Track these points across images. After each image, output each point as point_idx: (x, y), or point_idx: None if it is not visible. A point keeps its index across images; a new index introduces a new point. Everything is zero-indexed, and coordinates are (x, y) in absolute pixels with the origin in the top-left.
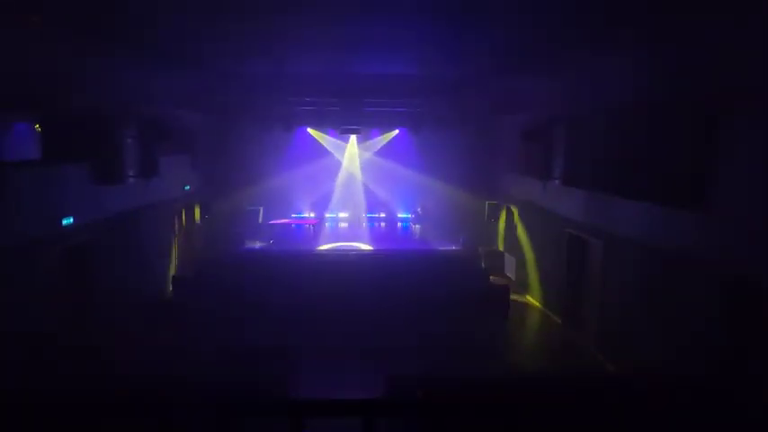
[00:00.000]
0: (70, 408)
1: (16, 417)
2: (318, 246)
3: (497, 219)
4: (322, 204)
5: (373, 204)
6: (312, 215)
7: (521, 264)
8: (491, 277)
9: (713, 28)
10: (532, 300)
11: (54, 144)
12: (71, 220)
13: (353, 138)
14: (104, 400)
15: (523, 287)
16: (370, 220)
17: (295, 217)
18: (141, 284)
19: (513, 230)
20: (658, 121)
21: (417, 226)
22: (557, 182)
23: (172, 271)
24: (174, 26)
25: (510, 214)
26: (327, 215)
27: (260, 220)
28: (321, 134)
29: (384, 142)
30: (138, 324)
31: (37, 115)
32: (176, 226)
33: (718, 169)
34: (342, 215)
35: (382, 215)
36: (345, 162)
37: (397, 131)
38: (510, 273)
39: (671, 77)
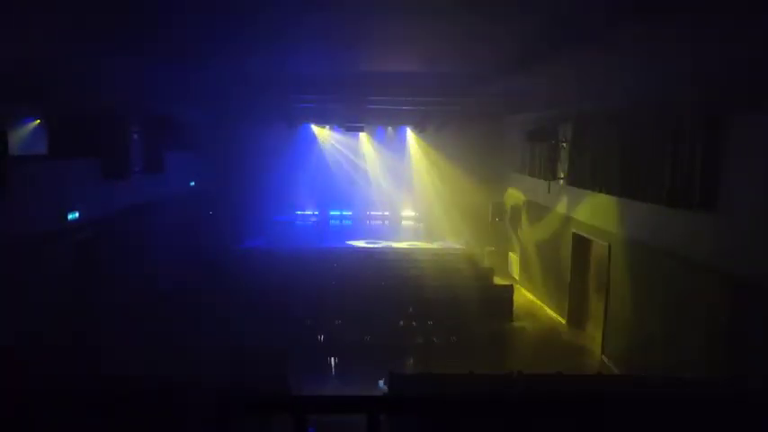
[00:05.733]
0: (69, 406)
1: (15, 413)
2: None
3: (502, 218)
4: (326, 202)
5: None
6: (315, 213)
7: (525, 263)
8: (495, 277)
9: (725, 27)
10: (536, 299)
11: (60, 140)
12: (76, 214)
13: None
14: (105, 398)
15: (527, 287)
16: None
17: (299, 214)
18: (145, 279)
19: (517, 230)
20: (666, 121)
21: (421, 224)
22: (561, 182)
23: (175, 267)
24: (178, 25)
25: (514, 214)
26: (332, 213)
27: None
28: (323, 130)
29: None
30: (140, 321)
31: (45, 111)
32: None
33: (726, 172)
34: (346, 213)
35: (386, 213)
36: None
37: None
38: (514, 272)
39: (681, 77)
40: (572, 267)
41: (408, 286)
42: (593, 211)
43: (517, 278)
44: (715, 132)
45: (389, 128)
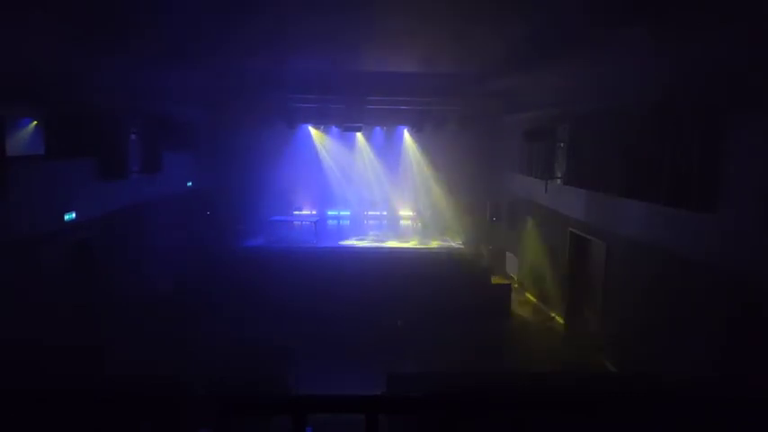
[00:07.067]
0: (68, 407)
1: (13, 416)
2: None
3: (499, 217)
4: (323, 201)
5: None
6: (313, 212)
7: (522, 263)
8: (493, 276)
9: (725, 27)
10: (534, 299)
11: (57, 140)
12: (73, 215)
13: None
14: (104, 398)
15: (525, 286)
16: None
17: (296, 214)
18: (143, 279)
19: (514, 229)
20: (665, 120)
21: (419, 223)
22: (559, 181)
23: (173, 267)
24: (176, 23)
25: (512, 213)
26: (329, 212)
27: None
28: (322, 135)
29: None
30: (139, 321)
31: (42, 111)
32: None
33: (726, 171)
34: (343, 213)
35: (384, 213)
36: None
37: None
38: (512, 272)
39: (680, 76)
40: (570, 266)
41: (406, 285)
42: (591, 211)
43: (515, 277)
44: (714, 131)
45: (386, 128)
